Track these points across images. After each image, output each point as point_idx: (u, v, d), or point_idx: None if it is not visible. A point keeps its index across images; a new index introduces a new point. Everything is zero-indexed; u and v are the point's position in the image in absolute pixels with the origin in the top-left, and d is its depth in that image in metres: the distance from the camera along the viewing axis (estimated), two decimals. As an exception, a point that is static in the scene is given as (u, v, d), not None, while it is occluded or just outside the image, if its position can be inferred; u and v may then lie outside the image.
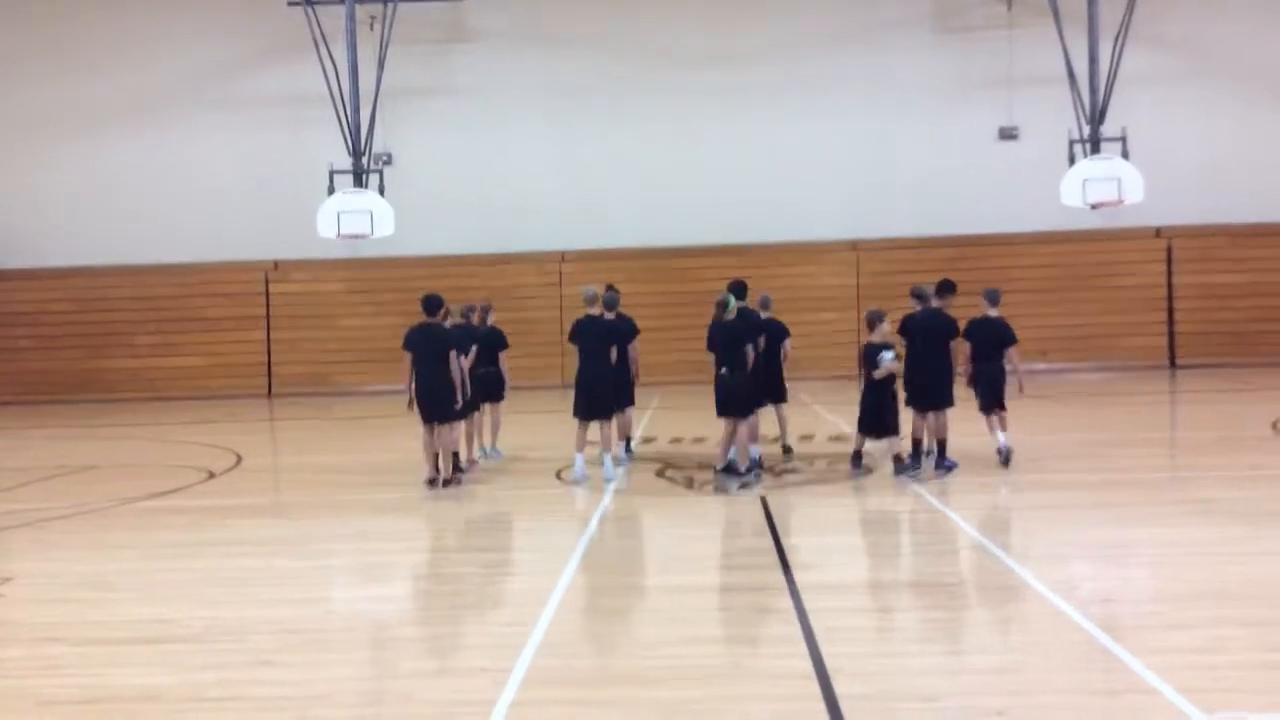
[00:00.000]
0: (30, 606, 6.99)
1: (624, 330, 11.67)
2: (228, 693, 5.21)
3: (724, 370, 10.82)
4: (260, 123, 26.28)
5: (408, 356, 11.05)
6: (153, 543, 8.99)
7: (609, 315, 11.47)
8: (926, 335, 10.96)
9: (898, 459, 10.72)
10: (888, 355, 10.78)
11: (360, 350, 25.57)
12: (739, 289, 11.29)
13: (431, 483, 10.96)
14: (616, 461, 11.57)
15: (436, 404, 10.88)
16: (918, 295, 11.54)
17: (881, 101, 25.59)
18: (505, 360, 12.77)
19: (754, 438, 11.34)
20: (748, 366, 10.93)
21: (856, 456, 11.21)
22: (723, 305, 10.89)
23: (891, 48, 25.65)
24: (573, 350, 11.51)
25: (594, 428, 11.28)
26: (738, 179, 25.60)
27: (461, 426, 11.57)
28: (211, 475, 12.77)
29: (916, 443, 11.18)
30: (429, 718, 4.84)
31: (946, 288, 11.40)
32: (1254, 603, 6.15)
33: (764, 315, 12.24)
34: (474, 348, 11.83)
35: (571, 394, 11.68)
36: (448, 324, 11.42)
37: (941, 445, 10.96)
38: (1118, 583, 6.96)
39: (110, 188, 26.52)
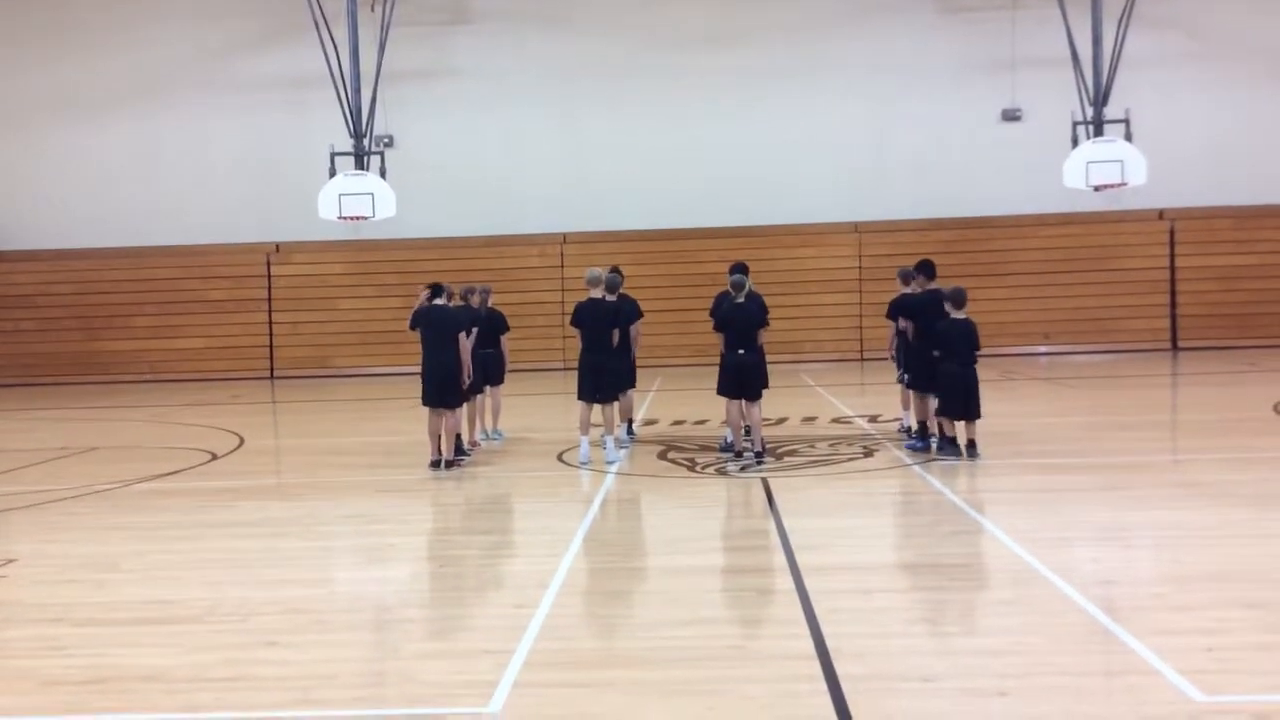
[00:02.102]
0: (33, 587, 7.01)
1: (627, 312, 11.65)
2: (231, 673, 5.22)
3: (742, 351, 10.83)
4: (261, 105, 26.22)
5: (418, 334, 11.13)
6: (156, 524, 9.00)
7: (610, 297, 11.45)
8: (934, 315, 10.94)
9: (972, 443, 10.61)
10: None
11: (362, 332, 25.59)
12: (746, 270, 11.30)
13: (435, 465, 10.98)
14: (618, 444, 11.59)
15: (438, 389, 10.92)
16: (905, 277, 11.61)
17: (884, 83, 25.50)
18: (506, 343, 12.84)
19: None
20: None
21: (951, 440, 10.85)
22: (739, 287, 10.89)
23: (894, 29, 25.54)
24: (573, 332, 11.50)
25: (597, 410, 11.30)
26: (740, 161, 25.54)
27: (464, 409, 11.58)
28: (214, 457, 12.79)
29: (923, 424, 11.24)
30: (431, 698, 4.86)
31: (927, 268, 11.38)
32: (1255, 585, 6.16)
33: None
34: (475, 330, 11.84)
35: (573, 376, 11.67)
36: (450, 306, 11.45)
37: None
38: (1119, 565, 6.96)
39: (110, 169, 26.49)
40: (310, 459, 13.00)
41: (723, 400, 11.15)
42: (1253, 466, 9.97)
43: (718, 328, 11.04)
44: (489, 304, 12.82)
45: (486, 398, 12.83)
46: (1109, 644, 5.29)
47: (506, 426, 13.39)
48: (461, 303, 12.09)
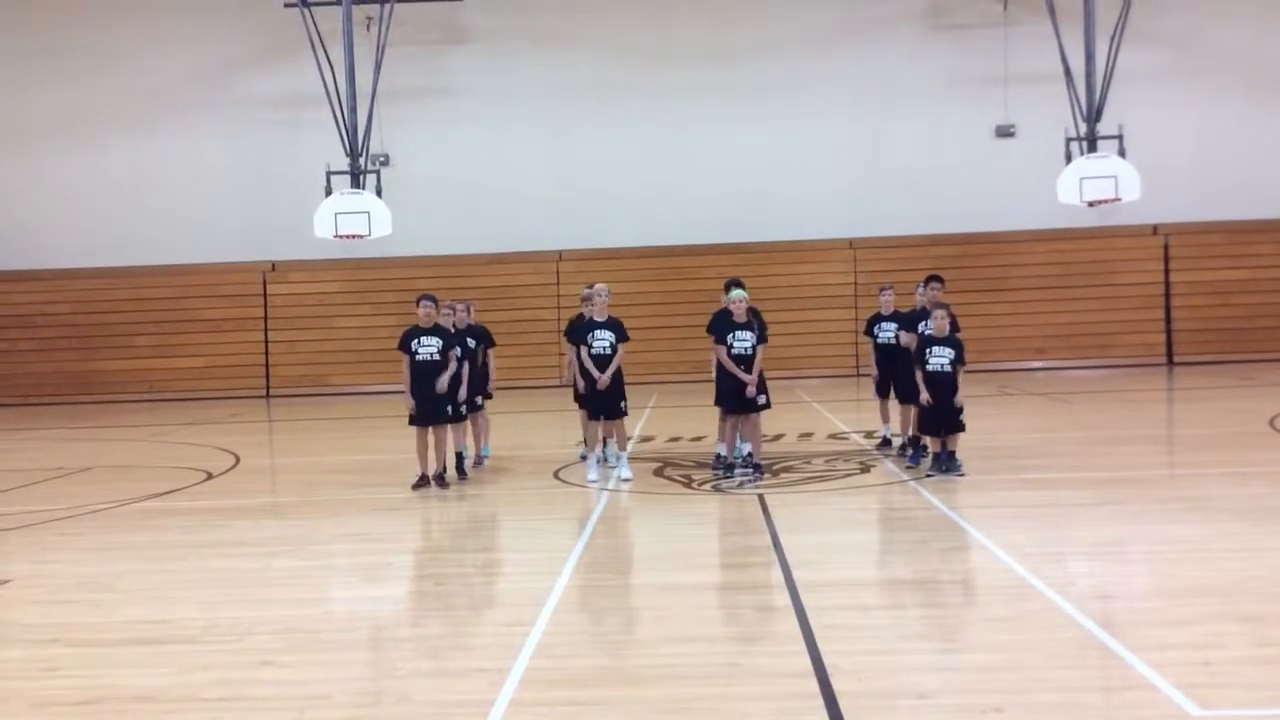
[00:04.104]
0: (28, 608, 6.99)
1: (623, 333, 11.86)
2: (225, 693, 5.21)
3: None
4: (257, 124, 26.29)
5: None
6: (151, 544, 8.98)
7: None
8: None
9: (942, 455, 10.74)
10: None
11: (358, 351, 25.57)
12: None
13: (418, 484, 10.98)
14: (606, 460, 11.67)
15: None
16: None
17: (878, 99, 25.61)
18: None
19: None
20: None
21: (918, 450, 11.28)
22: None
23: (887, 45, 25.67)
24: (569, 348, 11.57)
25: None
26: (735, 178, 25.61)
27: (449, 428, 11.40)
28: (209, 476, 12.77)
29: (916, 438, 11.33)
30: (427, 718, 4.84)
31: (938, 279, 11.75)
32: (1251, 599, 6.15)
33: None
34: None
35: (567, 393, 11.70)
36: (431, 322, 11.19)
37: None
38: (1115, 579, 6.96)
39: (107, 189, 26.53)
40: (306, 478, 12.97)
41: (729, 414, 11.12)
42: (1249, 481, 9.97)
43: (764, 339, 10.94)
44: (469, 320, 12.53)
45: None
46: (1105, 659, 5.29)
47: (504, 443, 13.40)
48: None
